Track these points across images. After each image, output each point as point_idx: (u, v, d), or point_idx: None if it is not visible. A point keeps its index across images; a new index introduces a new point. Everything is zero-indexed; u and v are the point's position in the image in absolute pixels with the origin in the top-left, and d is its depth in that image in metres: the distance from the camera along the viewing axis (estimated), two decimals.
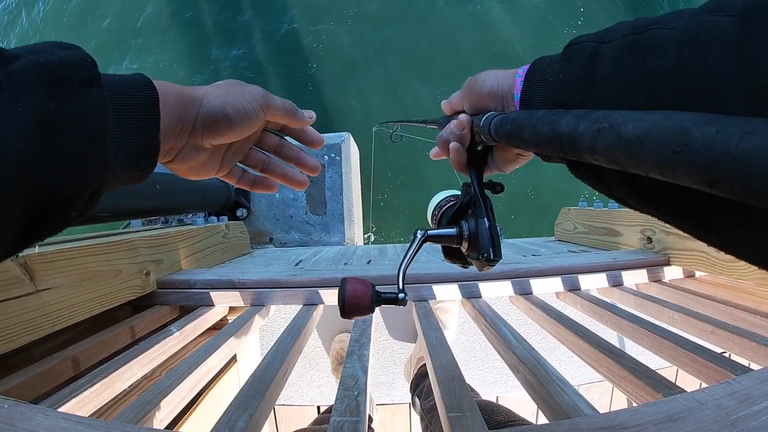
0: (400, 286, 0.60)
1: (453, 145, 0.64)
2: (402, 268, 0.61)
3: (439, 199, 0.82)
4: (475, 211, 0.64)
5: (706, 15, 0.31)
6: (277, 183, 0.72)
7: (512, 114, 0.49)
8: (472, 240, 0.62)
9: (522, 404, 1.86)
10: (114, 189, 0.47)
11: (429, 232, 0.64)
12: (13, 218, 0.35)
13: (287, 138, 0.71)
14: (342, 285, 0.57)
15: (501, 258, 0.60)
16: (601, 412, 0.65)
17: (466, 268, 0.73)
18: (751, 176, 0.20)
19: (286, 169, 0.71)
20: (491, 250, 0.60)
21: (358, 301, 0.57)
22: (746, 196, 0.21)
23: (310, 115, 0.69)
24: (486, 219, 0.61)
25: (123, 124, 0.44)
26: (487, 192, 0.66)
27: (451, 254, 0.71)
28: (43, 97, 0.36)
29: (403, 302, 0.60)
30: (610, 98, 0.39)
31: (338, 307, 0.57)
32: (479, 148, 0.65)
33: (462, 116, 0.63)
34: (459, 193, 0.77)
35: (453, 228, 0.64)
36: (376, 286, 0.59)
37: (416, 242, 0.63)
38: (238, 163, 0.69)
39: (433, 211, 0.82)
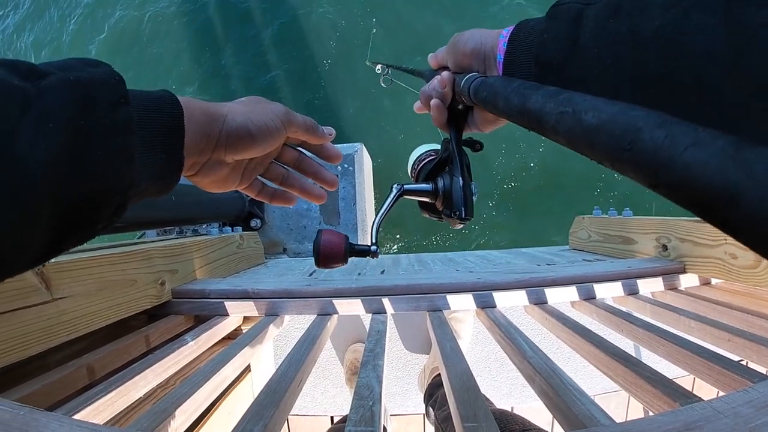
0: (373, 239, 0.65)
1: (434, 102, 0.66)
2: (376, 221, 0.66)
3: (420, 153, 0.83)
4: (452, 169, 0.66)
5: None
6: (296, 196, 0.74)
7: (490, 80, 0.50)
8: (446, 197, 0.65)
9: (537, 414, 1.85)
10: (137, 202, 0.48)
11: (405, 186, 0.68)
12: (40, 232, 0.35)
13: (306, 152, 0.73)
14: (317, 236, 0.62)
15: (472, 216, 0.64)
16: (614, 420, 0.64)
17: (441, 221, 0.74)
18: (689, 187, 0.21)
19: (304, 183, 0.72)
20: (463, 208, 0.63)
21: (333, 250, 0.61)
22: (685, 205, 0.22)
23: (330, 131, 0.70)
24: (461, 177, 0.64)
25: (149, 140, 0.45)
26: (466, 149, 0.69)
27: (427, 208, 0.74)
28: (72, 114, 0.36)
29: (374, 254, 0.65)
30: (592, 59, 0.40)
31: (313, 256, 0.61)
32: (460, 107, 0.67)
33: (444, 73, 0.65)
34: (438, 147, 0.81)
35: (429, 184, 0.68)
36: (350, 239, 0.64)
37: (392, 196, 0.67)
38: (258, 177, 0.70)
39: (413, 164, 0.83)
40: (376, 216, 0.65)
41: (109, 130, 0.39)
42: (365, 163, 3.05)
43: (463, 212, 0.62)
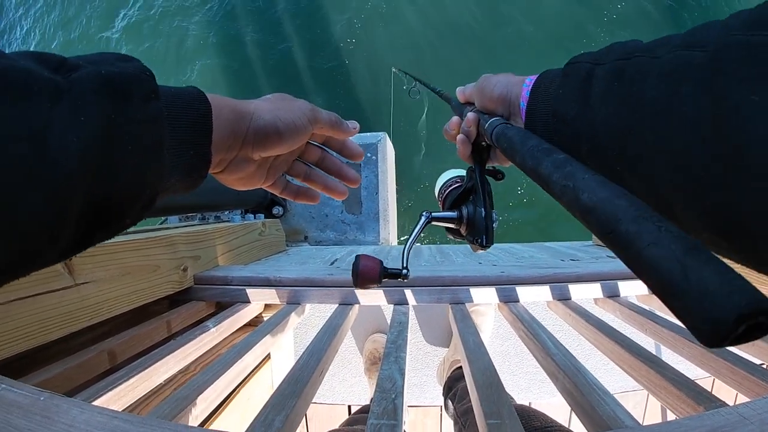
0: (404, 264, 0.70)
1: (460, 137, 0.71)
2: (407, 247, 0.71)
3: (447, 179, 0.89)
4: (475, 199, 0.70)
5: (684, 49, 0.35)
6: (320, 194, 0.75)
7: (510, 131, 0.53)
8: (470, 224, 0.69)
9: (556, 410, 1.83)
10: (165, 197, 0.48)
11: (433, 214, 0.72)
12: (70, 225, 0.35)
13: (329, 150, 0.74)
14: (356, 260, 0.67)
15: (492, 244, 0.67)
16: (638, 421, 0.63)
17: (458, 240, 0.79)
18: (647, 276, 0.26)
19: (327, 180, 0.73)
20: (484, 237, 0.66)
21: (370, 274, 0.66)
22: (649, 288, 0.27)
23: (354, 125, 0.71)
24: (483, 209, 0.68)
25: (178, 136, 0.46)
26: (489, 178, 0.73)
27: (452, 232, 0.77)
28: (104, 108, 0.36)
29: (405, 276, 0.69)
30: (600, 116, 0.43)
31: (352, 278, 0.67)
32: (483, 143, 0.71)
33: (470, 115, 0.68)
34: (464, 174, 0.86)
35: (455, 212, 0.72)
36: (384, 263, 0.69)
37: (421, 223, 0.71)
38: (283, 174, 0.71)
39: (440, 189, 0.89)
40: (407, 243, 0.72)
41: (140, 125, 0.39)
42: (388, 152, 3.03)
43: (485, 240, 0.66)
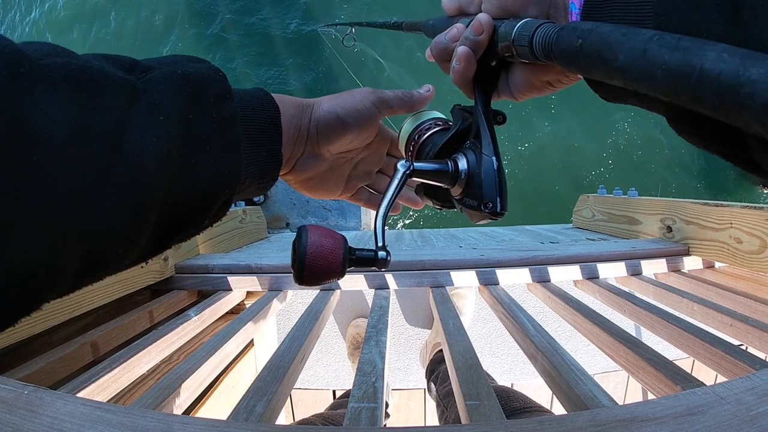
0: (380, 241, 0.48)
1: (463, 51, 0.49)
2: (380, 213, 0.49)
3: (419, 121, 0.63)
4: (477, 145, 0.50)
5: None
6: (401, 205, 0.71)
7: (585, 25, 0.34)
8: (470, 182, 0.49)
9: (537, 391, 1.86)
10: (239, 200, 0.48)
11: (416, 165, 0.50)
12: (149, 227, 0.35)
13: None
14: (299, 237, 0.43)
15: (507, 211, 0.47)
16: (616, 401, 0.64)
17: (441, 209, 0.61)
18: None
19: (410, 193, 0.69)
20: (498, 198, 0.47)
21: (325, 262, 0.42)
22: None
23: (428, 88, 0.62)
24: (494, 157, 0.48)
25: (251, 137, 0.46)
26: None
27: (434, 194, 0.60)
28: (182, 107, 0.37)
29: (383, 263, 0.47)
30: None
31: (293, 269, 0.43)
32: (493, 63, 0.51)
33: (483, 17, 0.47)
34: (443, 116, 0.64)
35: (445, 163, 0.51)
36: (349, 242, 0.45)
37: (399, 177, 0.49)
38: (366, 187, 0.70)
39: (410, 135, 0.62)
40: (380, 206, 0.49)
41: (216, 125, 0.40)
42: None
43: (499, 204, 0.46)
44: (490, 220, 0.48)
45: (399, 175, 0.49)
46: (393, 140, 0.67)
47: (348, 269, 0.45)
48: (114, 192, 0.31)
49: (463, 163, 0.50)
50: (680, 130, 0.33)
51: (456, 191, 0.52)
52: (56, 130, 0.28)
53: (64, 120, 0.29)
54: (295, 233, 0.44)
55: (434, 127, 0.61)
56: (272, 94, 0.50)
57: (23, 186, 0.26)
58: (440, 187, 0.53)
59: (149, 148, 0.33)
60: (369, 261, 0.46)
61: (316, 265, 0.42)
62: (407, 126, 0.64)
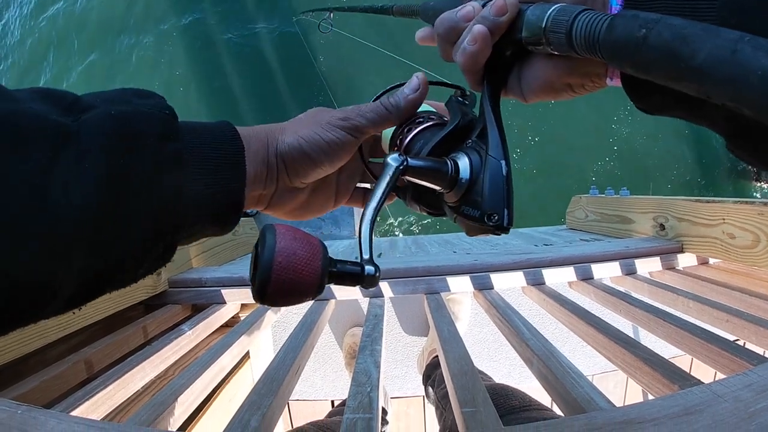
0: (365, 252, 0.39)
1: (479, 29, 0.40)
2: (368, 217, 0.41)
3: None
4: (481, 146, 0.43)
5: None
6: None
7: (649, 14, 0.28)
8: (472, 188, 0.42)
9: (535, 394, 1.85)
10: (189, 243, 0.45)
11: (411, 161, 0.42)
12: (72, 277, 0.33)
13: None
14: (265, 240, 0.34)
15: (513, 226, 0.41)
16: (615, 402, 0.64)
17: (430, 215, 0.53)
18: None
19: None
20: (506, 211, 0.40)
21: (298, 274, 0.33)
22: None
23: (416, 85, 0.51)
24: (504, 161, 0.41)
25: (206, 179, 0.41)
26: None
27: (421, 198, 0.52)
28: (112, 151, 0.34)
29: (371, 281, 0.38)
30: None
31: (252, 282, 0.34)
32: (508, 53, 0.44)
33: None
34: (433, 110, 0.56)
35: (444, 162, 0.43)
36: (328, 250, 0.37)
37: (390, 174, 0.41)
38: (360, 185, 0.62)
39: (397, 129, 0.54)
40: (366, 209, 0.41)
41: (154, 168, 0.37)
42: None
43: (506, 217, 0.39)
44: (491, 235, 0.41)
45: (390, 172, 0.41)
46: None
47: (314, 297, 0.36)
48: (34, 242, 0.30)
49: (464, 165, 0.42)
50: (743, 148, 0.30)
51: (451, 197, 0.44)
52: None
53: None
54: None
55: (427, 122, 0.52)
56: (239, 129, 0.46)
57: None
58: (432, 190, 0.46)
59: (72, 198, 0.31)
60: (353, 277, 0.38)
61: (286, 278, 0.33)
62: None
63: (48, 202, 0.30)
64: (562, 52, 0.37)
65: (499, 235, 0.41)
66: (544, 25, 0.36)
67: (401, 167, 0.41)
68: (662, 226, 1.51)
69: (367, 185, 0.62)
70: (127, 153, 0.35)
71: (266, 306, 1.22)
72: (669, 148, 5.34)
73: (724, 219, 1.23)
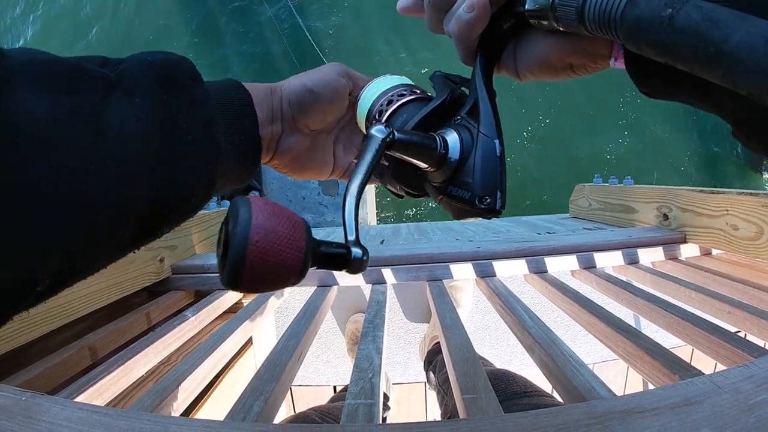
0: (352, 234, 0.36)
1: None
2: (352, 192, 0.37)
3: (387, 87, 0.52)
4: (471, 123, 0.40)
5: None
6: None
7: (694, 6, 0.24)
8: (461, 168, 0.39)
9: (537, 380, 1.85)
10: (223, 187, 0.48)
11: (397, 134, 0.38)
12: (139, 208, 0.36)
13: None
14: (237, 215, 0.27)
15: (504, 209, 0.38)
16: (616, 391, 0.64)
17: (409, 196, 0.50)
18: None
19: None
20: (499, 193, 0.38)
21: (279, 255, 0.27)
22: None
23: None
24: (497, 140, 0.38)
25: (226, 121, 0.46)
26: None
27: (401, 176, 0.48)
28: (155, 89, 0.37)
29: (358, 265, 0.34)
30: None
31: (220, 265, 0.28)
32: (506, 26, 0.41)
33: None
34: (411, 83, 0.53)
35: (432, 138, 0.40)
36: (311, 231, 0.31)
37: (375, 146, 0.37)
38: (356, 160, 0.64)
39: (374, 102, 0.51)
40: (350, 183, 0.37)
41: (192, 103, 0.41)
42: None
43: (499, 200, 0.37)
44: (481, 219, 0.39)
45: (376, 144, 0.37)
46: None
47: (296, 282, 0.30)
48: (100, 173, 0.31)
49: (454, 142, 0.40)
50: (751, 135, 0.29)
51: (437, 177, 0.41)
52: (37, 119, 0.29)
53: (43, 109, 0.29)
54: None
55: (409, 95, 0.49)
56: (241, 82, 0.51)
57: (7, 176, 0.27)
58: (415, 168, 0.43)
59: (130, 129, 0.34)
60: (339, 260, 0.33)
61: (264, 260, 0.27)
62: (370, 90, 0.53)
63: (109, 135, 0.33)
64: (568, 29, 0.34)
65: (490, 218, 0.39)
66: (547, 4, 0.34)
67: (387, 140, 0.37)
68: (665, 216, 1.51)
69: None
70: (167, 90, 0.39)
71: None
72: (674, 138, 5.32)
73: (727, 210, 1.23)
